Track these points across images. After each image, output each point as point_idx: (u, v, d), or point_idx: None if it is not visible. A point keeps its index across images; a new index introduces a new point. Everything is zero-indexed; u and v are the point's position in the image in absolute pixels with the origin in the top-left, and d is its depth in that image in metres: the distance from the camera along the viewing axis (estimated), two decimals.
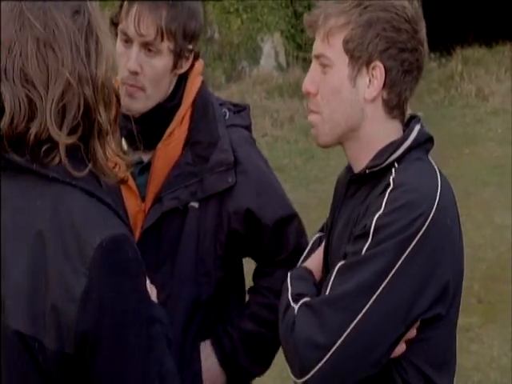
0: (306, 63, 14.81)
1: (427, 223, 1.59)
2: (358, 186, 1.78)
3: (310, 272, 1.83)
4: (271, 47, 14.43)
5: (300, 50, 15.09)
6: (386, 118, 1.76)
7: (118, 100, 1.51)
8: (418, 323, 1.63)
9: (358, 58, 1.72)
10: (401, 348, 1.64)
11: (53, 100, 1.41)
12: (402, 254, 1.58)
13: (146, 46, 1.99)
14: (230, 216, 2.11)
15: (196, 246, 2.09)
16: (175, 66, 2.04)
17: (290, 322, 1.62)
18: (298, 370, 1.61)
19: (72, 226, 1.39)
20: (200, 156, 2.02)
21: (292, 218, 2.23)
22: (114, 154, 1.50)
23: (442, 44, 15.04)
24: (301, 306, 1.65)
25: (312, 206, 7.11)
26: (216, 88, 11.49)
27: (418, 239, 1.59)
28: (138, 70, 1.98)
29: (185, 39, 2.01)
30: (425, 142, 1.77)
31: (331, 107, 1.75)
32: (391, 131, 1.76)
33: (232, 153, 2.11)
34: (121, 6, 2.03)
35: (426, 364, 1.69)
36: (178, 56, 2.02)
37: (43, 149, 1.42)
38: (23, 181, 1.44)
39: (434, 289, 1.61)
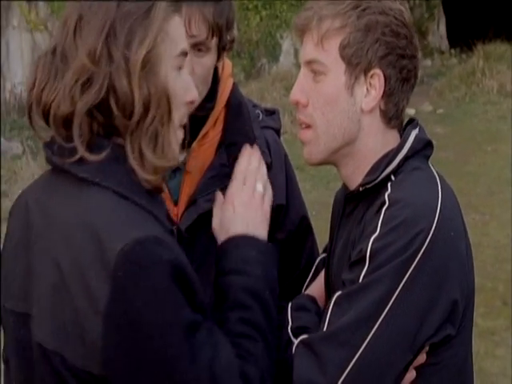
0: None
1: (428, 240, 1.45)
2: (354, 204, 1.63)
3: (312, 300, 1.69)
4: (290, 44, 14.36)
5: None
6: (384, 129, 1.61)
7: (169, 101, 1.39)
8: (427, 347, 1.50)
9: (357, 64, 1.56)
10: (410, 375, 1.51)
11: (72, 73, 1.34)
12: (402, 278, 1.44)
13: (196, 47, 1.91)
14: None
15: None
16: (218, 60, 1.99)
17: (289, 361, 1.48)
18: None
19: (97, 229, 1.29)
20: (236, 157, 1.94)
21: (311, 227, 2.16)
22: (162, 160, 1.39)
23: (463, 40, 14.94)
24: (299, 344, 1.50)
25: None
26: None
27: (419, 259, 1.44)
28: (191, 72, 1.90)
29: (228, 31, 1.95)
30: (423, 149, 1.61)
31: (326, 119, 1.59)
32: (388, 142, 1.61)
33: (269, 154, 2.03)
34: None
35: None
36: (222, 49, 1.97)
37: (63, 122, 1.36)
38: (60, 180, 1.39)
39: (441, 310, 1.47)
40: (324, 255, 1.86)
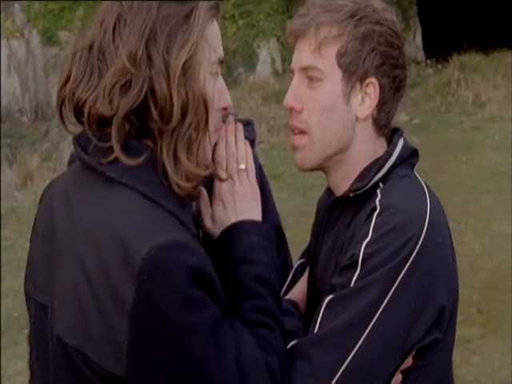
0: None
1: (419, 245, 1.48)
2: (341, 209, 1.66)
3: (294, 304, 1.70)
4: (267, 53, 14.40)
5: None
6: (374, 137, 1.64)
7: (206, 108, 1.39)
8: (414, 351, 1.53)
9: (353, 73, 1.58)
10: (397, 379, 1.53)
11: (111, 74, 1.35)
12: (394, 282, 1.46)
13: None
14: None
15: None
16: None
17: None
18: None
19: (122, 232, 1.30)
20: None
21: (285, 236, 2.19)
22: (197, 167, 1.39)
23: (439, 50, 15.04)
24: (289, 349, 1.50)
25: (309, 213, 6.99)
26: None
27: (410, 264, 1.47)
28: None
29: None
30: (409, 157, 1.65)
31: (322, 126, 1.61)
32: (377, 150, 1.65)
33: None
34: None
35: None
36: None
37: (98, 121, 1.36)
38: (87, 177, 1.40)
39: (429, 314, 1.50)
40: (302, 261, 1.88)
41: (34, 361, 1.51)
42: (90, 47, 1.38)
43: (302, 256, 1.90)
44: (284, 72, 13.80)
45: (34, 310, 1.47)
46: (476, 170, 9.26)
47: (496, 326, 5.23)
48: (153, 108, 1.34)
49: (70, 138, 1.47)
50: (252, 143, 2.19)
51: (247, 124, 2.22)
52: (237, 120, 2.19)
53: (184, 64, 1.35)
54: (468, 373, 4.72)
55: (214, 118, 1.46)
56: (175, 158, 1.36)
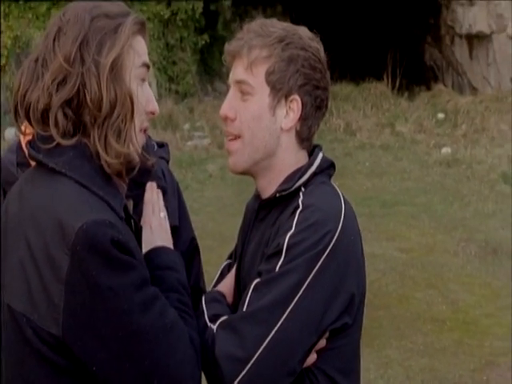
0: (177, 95, 14.93)
1: (334, 240, 1.69)
2: (267, 210, 1.87)
3: (222, 295, 1.89)
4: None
5: (172, 82, 15.20)
6: (298, 148, 1.86)
7: (132, 103, 1.61)
8: (327, 334, 1.73)
9: (279, 89, 1.80)
10: (312, 357, 1.73)
11: (50, 74, 1.57)
12: (313, 269, 1.67)
13: None
14: None
15: None
16: None
17: (209, 341, 1.67)
18: None
19: (59, 210, 1.50)
20: (136, 182, 2.09)
21: (198, 247, 2.38)
22: (124, 146, 1.61)
23: None
24: (219, 324, 1.71)
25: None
26: None
27: (327, 255, 1.68)
28: None
29: None
30: (327, 168, 1.88)
31: (252, 131, 1.82)
32: (299, 160, 1.87)
33: (165, 180, 2.28)
34: None
35: (335, 371, 1.79)
36: None
37: (41, 115, 1.58)
38: (38, 172, 1.62)
39: (341, 300, 1.71)
40: (228, 262, 2.09)
41: None
42: (36, 59, 1.62)
43: (229, 257, 2.11)
44: (160, 97, 13.87)
45: None
46: (348, 194, 9.21)
47: (371, 340, 5.46)
48: (86, 100, 1.57)
49: None
50: (168, 162, 2.40)
51: (162, 146, 2.42)
52: (153, 143, 2.41)
53: (112, 63, 1.58)
54: None
55: (141, 117, 1.68)
56: (106, 142, 1.59)
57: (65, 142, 1.57)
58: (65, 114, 1.57)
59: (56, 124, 1.57)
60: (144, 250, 1.77)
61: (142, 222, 1.85)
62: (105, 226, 1.49)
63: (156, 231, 1.84)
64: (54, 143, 1.57)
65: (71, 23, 1.60)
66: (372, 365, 5.19)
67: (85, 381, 1.53)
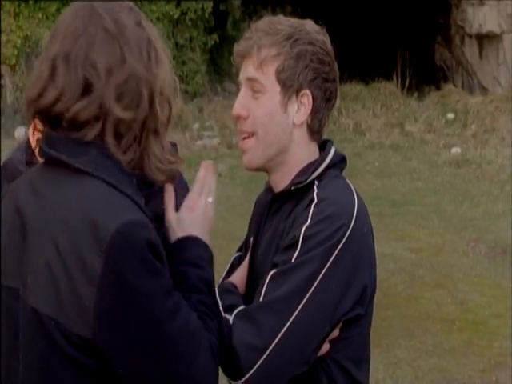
0: (187, 95, 14.95)
1: (348, 232, 1.72)
2: (280, 203, 1.90)
3: (235, 286, 1.92)
4: None
5: (181, 82, 15.22)
6: (309, 141, 1.90)
7: (170, 106, 1.64)
8: (340, 324, 1.76)
9: (290, 86, 1.84)
10: (326, 347, 1.76)
11: (115, 84, 1.54)
12: (328, 261, 1.70)
13: None
14: None
15: None
16: None
17: (225, 331, 1.69)
18: (236, 373, 1.69)
19: (91, 212, 1.47)
20: (146, 181, 2.10)
21: None
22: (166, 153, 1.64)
23: None
24: (236, 314, 1.73)
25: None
26: None
27: (341, 247, 1.71)
28: None
29: None
30: (339, 162, 1.91)
31: (265, 128, 1.85)
32: (312, 153, 1.90)
33: None
34: None
35: (347, 360, 1.83)
36: None
37: (84, 124, 1.54)
38: (56, 171, 1.56)
39: (355, 291, 1.74)
40: (239, 254, 2.11)
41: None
42: (75, 63, 1.56)
43: (239, 250, 2.13)
44: None
45: (5, 296, 1.60)
46: None
47: (380, 340, 5.46)
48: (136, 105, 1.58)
49: None
50: None
51: (172, 146, 2.41)
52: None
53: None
54: None
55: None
56: (149, 147, 1.62)
57: (121, 158, 1.57)
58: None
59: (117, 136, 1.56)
60: (176, 232, 1.73)
61: (184, 203, 1.80)
62: (141, 226, 1.48)
63: (197, 217, 1.78)
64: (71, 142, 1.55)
65: (126, 32, 1.60)
66: (381, 365, 5.18)
67: (109, 382, 1.53)
